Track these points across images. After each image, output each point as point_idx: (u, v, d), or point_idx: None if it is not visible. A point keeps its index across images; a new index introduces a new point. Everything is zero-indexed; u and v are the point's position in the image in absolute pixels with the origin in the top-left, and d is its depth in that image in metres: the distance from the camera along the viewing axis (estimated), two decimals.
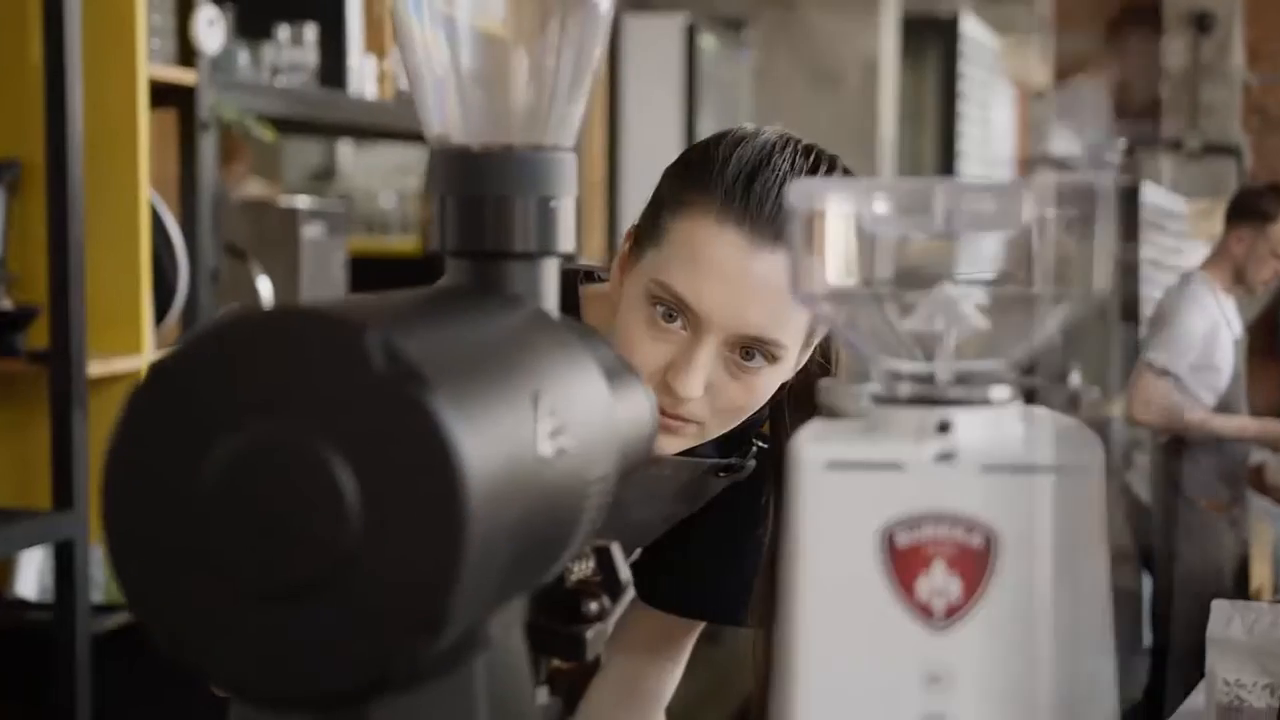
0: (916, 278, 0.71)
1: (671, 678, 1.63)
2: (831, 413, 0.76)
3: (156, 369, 0.62)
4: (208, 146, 2.92)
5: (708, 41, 5.87)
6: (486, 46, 0.78)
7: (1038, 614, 0.66)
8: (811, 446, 0.68)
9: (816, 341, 1.38)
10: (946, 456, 0.66)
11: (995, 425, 0.68)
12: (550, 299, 0.78)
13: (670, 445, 1.34)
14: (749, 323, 1.29)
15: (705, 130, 5.09)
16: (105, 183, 2.62)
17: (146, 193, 2.68)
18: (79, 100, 2.48)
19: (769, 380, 1.33)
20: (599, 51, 0.80)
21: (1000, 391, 0.69)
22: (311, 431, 0.60)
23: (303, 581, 0.60)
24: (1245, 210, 4.65)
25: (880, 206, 0.69)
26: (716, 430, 1.36)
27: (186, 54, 2.87)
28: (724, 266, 1.28)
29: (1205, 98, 8.25)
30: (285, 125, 3.50)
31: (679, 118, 5.65)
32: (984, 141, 8.21)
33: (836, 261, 0.70)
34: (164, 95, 2.84)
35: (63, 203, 2.45)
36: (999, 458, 0.66)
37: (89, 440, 2.49)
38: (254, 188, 4.74)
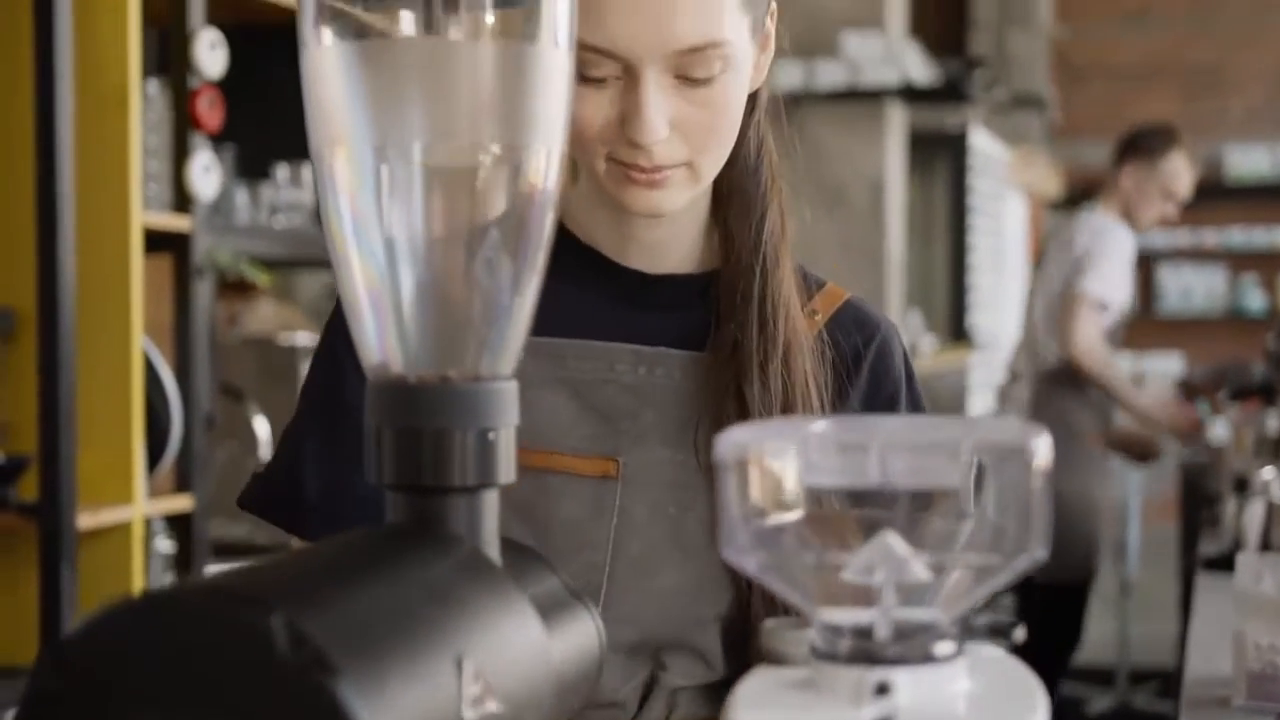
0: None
1: None
2: (776, 658, 0.73)
3: (58, 650, 0.60)
4: (203, 292, 2.91)
5: None
6: (424, 274, 0.76)
7: None
8: (746, 711, 0.65)
9: (770, 26, 1.28)
10: None
11: (938, 684, 0.65)
12: (489, 534, 0.76)
13: (669, 200, 1.23)
14: (678, 36, 1.16)
15: None
16: (98, 332, 2.62)
17: (139, 342, 2.67)
18: (72, 248, 2.48)
19: (731, 89, 1.21)
20: (540, 265, 0.78)
21: (944, 647, 0.66)
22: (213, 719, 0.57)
23: None
24: (1136, 147, 4.71)
25: (815, 456, 0.66)
26: (710, 167, 1.25)
27: (182, 199, 2.87)
28: None
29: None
30: (284, 263, 3.50)
31: None
32: (996, 251, 8.21)
33: (769, 511, 0.67)
34: (159, 241, 2.84)
35: (54, 352, 2.45)
36: None
37: (78, 596, 2.46)
38: (266, 311, 4.73)
